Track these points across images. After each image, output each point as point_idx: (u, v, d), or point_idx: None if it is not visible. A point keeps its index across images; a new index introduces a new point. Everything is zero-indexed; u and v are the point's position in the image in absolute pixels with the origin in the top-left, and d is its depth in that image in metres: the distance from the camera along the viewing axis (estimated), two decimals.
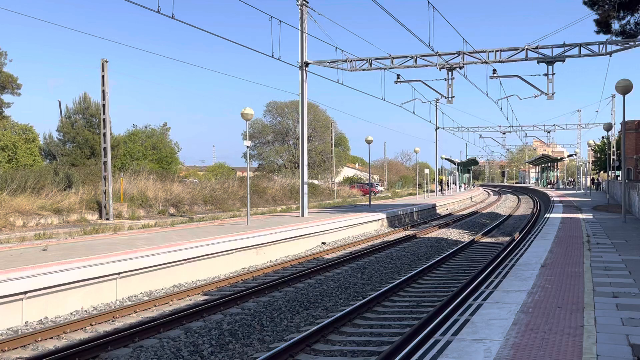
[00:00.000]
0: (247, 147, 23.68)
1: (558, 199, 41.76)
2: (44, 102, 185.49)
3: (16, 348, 9.10)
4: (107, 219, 28.16)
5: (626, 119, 21.01)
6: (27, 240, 18.26)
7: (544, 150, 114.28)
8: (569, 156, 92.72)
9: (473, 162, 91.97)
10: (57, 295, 11.19)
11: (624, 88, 19.50)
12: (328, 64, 28.26)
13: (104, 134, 28.92)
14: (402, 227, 28.61)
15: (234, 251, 16.56)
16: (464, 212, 41.16)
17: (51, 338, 9.68)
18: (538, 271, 10.47)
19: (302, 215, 27.24)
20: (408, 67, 27.53)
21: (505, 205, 53.31)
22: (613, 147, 45.92)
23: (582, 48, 25.05)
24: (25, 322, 10.49)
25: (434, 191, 64.77)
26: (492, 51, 26.32)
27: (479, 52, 26.51)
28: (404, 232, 26.43)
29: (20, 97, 55.13)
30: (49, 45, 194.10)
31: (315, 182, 68.42)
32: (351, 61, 28.03)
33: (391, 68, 27.84)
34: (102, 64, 28.59)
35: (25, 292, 10.52)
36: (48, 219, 26.11)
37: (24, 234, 20.97)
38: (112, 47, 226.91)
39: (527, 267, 11.02)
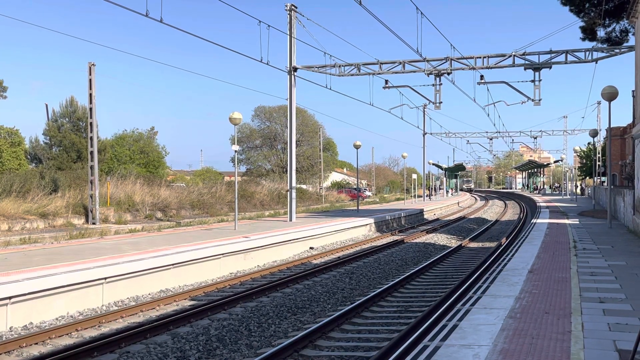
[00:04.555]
0: (235, 151, 23.61)
1: (544, 204, 42.05)
2: (29, 105, 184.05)
3: (0, 354, 8.99)
4: (94, 224, 27.93)
5: (611, 126, 21.22)
6: (12, 245, 18.06)
7: (531, 156, 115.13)
8: (555, 162, 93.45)
9: (460, 167, 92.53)
10: (43, 301, 11.06)
11: (610, 95, 19.70)
12: (316, 69, 28.29)
13: (91, 138, 28.71)
14: (390, 232, 28.66)
15: (221, 256, 16.48)
16: (452, 218, 41.32)
17: (36, 344, 9.57)
18: (525, 276, 10.52)
19: (290, 220, 27.19)
20: (396, 72, 27.68)
21: (492, 210, 53.55)
22: (599, 153, 46.32)
23: (568, 55, 25.31)
24: (10, 328, 10.35)
25: (421, 196, 64.96)
26: (480, 57, 26.51)
27: (466, 58, 26.69)
28: (391, 237, 26.46)
29: (6, 100, 54.49)
30: (35, 47, 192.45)
31: (303, 186, 68.41)
32: (340, 66, 28.11)
33: (379, 73, 27.97)
34: (89, 67, 28.40)
35: (10, 297, 10.40)
36: (34, 223, 25.84)
37: (8, 238, 20.74)
38: (99, 50, 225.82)
39: (514, 272, 11.07)
